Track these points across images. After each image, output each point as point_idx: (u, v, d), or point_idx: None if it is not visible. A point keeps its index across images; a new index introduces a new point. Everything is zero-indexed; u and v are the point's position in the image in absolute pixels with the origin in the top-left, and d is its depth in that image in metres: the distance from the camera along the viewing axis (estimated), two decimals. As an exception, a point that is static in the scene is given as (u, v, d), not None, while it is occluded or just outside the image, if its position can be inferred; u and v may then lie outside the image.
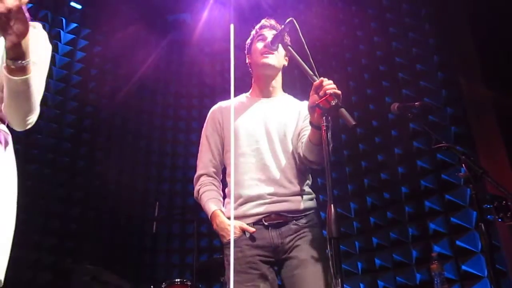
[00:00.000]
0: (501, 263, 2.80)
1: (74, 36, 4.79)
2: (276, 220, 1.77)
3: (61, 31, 4.70)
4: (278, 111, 1.94)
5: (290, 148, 1.88)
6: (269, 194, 1.79)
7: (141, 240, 4.78)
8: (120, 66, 4.89)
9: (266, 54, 1.92)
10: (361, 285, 3.58)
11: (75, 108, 4.56)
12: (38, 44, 1.52)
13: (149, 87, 5.34)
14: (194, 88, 5.57)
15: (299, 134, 1.90)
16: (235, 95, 2.03)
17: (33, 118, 1.44)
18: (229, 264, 1.76)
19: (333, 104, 1.48)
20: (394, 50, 3.86)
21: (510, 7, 2.95)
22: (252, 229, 1.77)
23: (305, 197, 1.85)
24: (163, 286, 3.28)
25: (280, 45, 1.89)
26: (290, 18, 1.73)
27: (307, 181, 1.91)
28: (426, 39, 3.65)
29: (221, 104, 2.02)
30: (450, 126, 3.30)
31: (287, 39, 1.91)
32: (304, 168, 1.89)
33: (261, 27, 2.01)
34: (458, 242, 3.05)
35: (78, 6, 4.88)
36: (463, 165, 2.02)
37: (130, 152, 5.00)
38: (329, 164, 1.41)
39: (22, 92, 1.34)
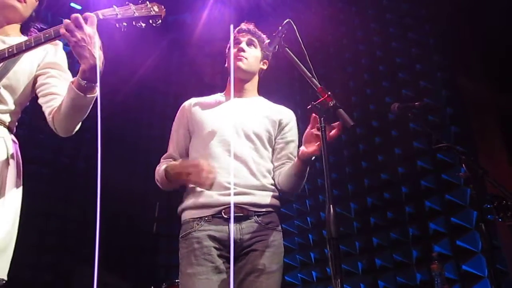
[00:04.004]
0: (501, 263, 2.79)
1: (74, 36, 4.79)
2: (236, 213, 1.73)
3: (61, 31, 4.70)
4: (247, 110, 1.95)
5: (257, 145, 1.88)
6: (229, 183, 1.76)
7: (141, 241, 4.78)
8: (120, 66, 4.89)
9: (239, 57, 1.95)
10: (362, 285, 3.57)
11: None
12: (63, 60, 1.67)
13: (149, 87, 5.34)
14: (194, 88, 5.57)
15: (275, 151, 1.93)
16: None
17: (78, 127, 1.59)
18: (182, 258, 1.75)
19: (331, 104, 1.49)
20: (394, 50, 3.86)
21: (510, 7, 2.95)
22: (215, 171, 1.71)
23: (269, 193, 1.83)
24: (163, 286, 3.28)
25: (259, 49, 1.98)
26: (288, 20, 1.73)
27: (271, 180, 1.89)
28: (426, 39, 3.65)
29: (193, 100, 2.07)
30: (450, 126, 3.29)
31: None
32: (269, 168, 1.89)
33: (238, 31, 2.03)
34: (458, 242, 3.05)
35: (78, 7, 4.89)
36: (463, 165, 2.02)
37: (131, 152, 5.00)
38: (327, 165, 1.40)
39: (85, 107, 1.49)
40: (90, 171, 4.55)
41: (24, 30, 1.66)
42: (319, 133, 1.53)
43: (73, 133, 1.57)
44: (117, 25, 1.48)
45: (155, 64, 5.22)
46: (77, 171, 4.48)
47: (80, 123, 1.56)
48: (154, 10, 1.52)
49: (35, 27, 1.68)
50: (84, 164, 4.55)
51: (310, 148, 1.67)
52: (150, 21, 1.52)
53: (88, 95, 1.44)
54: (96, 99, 1.47)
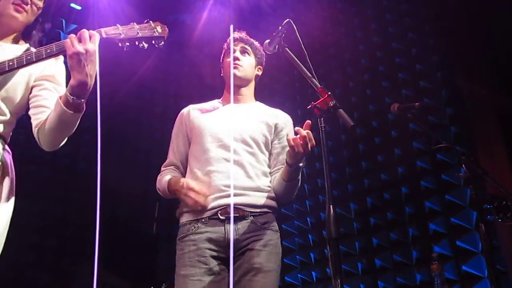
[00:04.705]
0: (501, 264, 2.79)
1: (74, 37, 4.79)
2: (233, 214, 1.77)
3: (61, 32, 4.71)
4: (244, 115, 2.00)
5: (254, 150, 1.92)
6: (226, 186, 1.79)
7: (142, 241, 4.78)
8: (120, 66, 4.89)
9: (234, 65, 2.00)
10: (361, 285, 3.57)
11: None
12: (61, 74, 1.67)
13: (149, 88, 5.34)
14: (194, 89, 5.56)
15: (272, 156, 1.98)
16: None
17: (62, 143, 1.58)
18: (178, 260, 1.77)
19: (331, 105, 1.49)
20: (394, 50, 3.86)
21: (510, 7, 2.95)
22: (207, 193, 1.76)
23: (264, 194, 1.86)
24: (163, 286, 3.28)
25: (253, 56, 2.05)
26: (287, 20, 1.75)
27: (268, 182, 1.92)
28: (425, 39, 3.65)
29: (191, 106, 2.10)
30: (450, 126, 3.29)
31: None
32: (266, 171, 1.93)
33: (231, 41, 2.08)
34: (458, 243, 3.05)
35: (78, 7, 4.89)
36: (463, 165, 2.02)
37: (130, 152, 5.00)
38: (327, 165, 1.41)
39: (70, 124, 1.48)
40: (90, 171, 4.55)
41: (26, 37, 1.67)
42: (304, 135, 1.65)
43: (57, 148, 1.57)
44: (119, 44, 1.47)
45: (155, 64, 5.22)
46: (77, 171, 4.48)
47: (65, 140, 1.55)
48: (157, 31, 1.51)
49: (38, 35, 1.68)
50: (84, 165, 4.55)
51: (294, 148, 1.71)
52: (153, 42, 1.51)
53: (74, 113, 1.42)
54: (96, 99, 1.46)
